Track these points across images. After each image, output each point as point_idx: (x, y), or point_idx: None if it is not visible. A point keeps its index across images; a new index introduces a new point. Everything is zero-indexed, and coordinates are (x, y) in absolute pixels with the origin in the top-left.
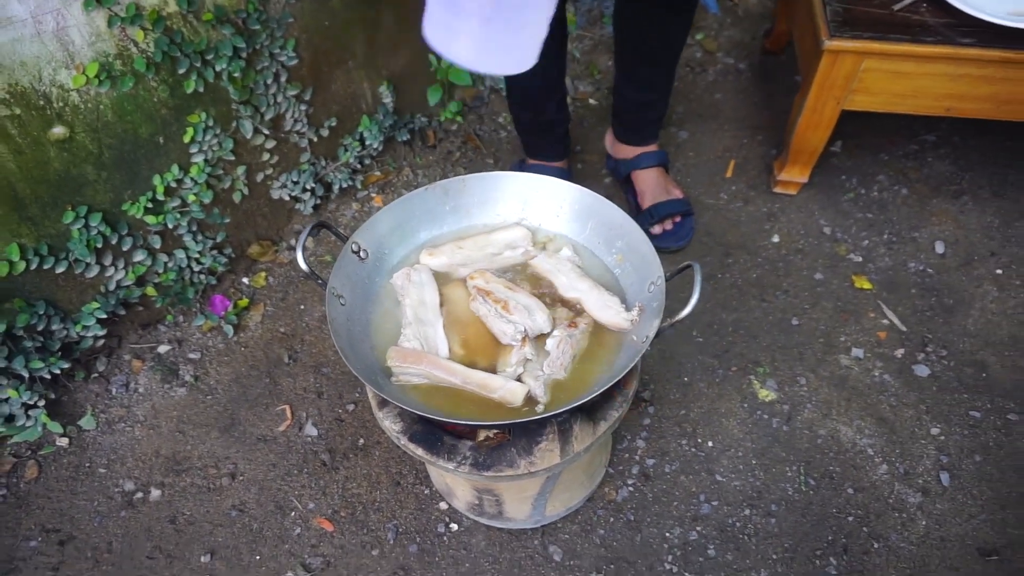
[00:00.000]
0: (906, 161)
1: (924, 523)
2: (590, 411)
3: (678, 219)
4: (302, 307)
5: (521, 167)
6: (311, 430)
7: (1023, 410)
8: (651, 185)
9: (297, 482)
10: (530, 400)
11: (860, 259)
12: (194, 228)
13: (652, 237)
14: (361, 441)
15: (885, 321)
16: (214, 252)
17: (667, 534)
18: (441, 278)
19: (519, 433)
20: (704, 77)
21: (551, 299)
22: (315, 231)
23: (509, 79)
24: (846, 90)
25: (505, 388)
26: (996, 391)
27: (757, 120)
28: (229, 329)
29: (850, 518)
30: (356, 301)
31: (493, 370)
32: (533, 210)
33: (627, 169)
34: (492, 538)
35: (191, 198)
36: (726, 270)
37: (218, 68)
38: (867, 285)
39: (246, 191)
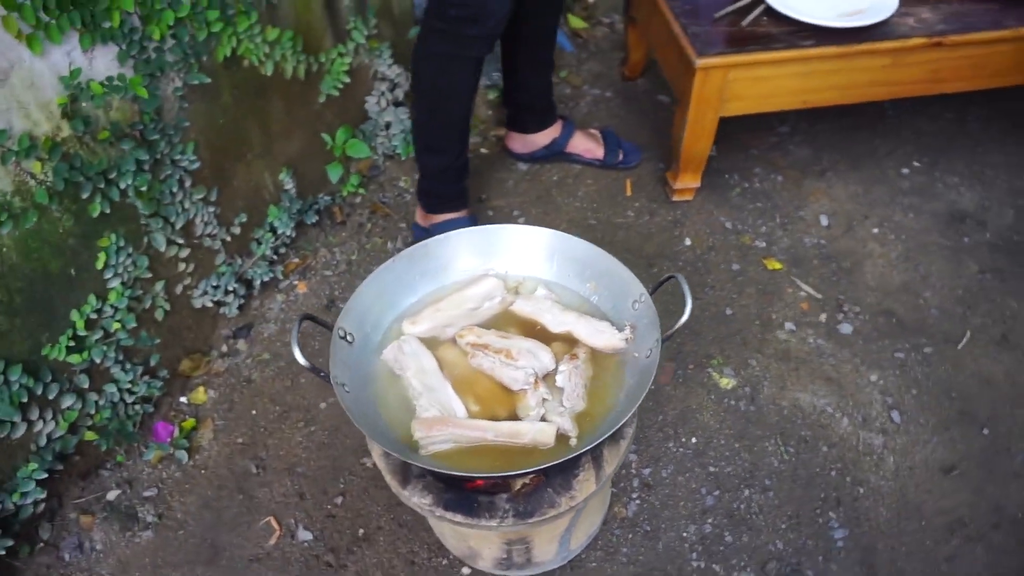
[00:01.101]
0: (772, 152)
1: (892, 459)
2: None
3: (619, 142)
4: (253, 412)
5: (427, 233)
6: (304, 535)
7: (933, 342)
8: (586, 141)
9: None
10: (561, 437)
11: (764, 244)
12: (121, 357)
13: (620, 163)
14: (361, 531)
15: (802, 293)
16: (146, 378)
17: (684, 534)
18: (429, 343)
19: (554, 471)
20: (579, 109)
21: (543, 338)
22: (300, 323)
23: (436, 119)
24: (720, 99)
25: (536, 431)
26: (908, 331)
27: (637, 139)
28: (183, 455)
29: (833, 472)
30: (356, 385)
31: (515, 418)
32: (497, 259)
33: (561, 145)
34: None
35: (115, 326)
36: (654, 280)
37: (122, 185)
38: (777, 265)
39: (168, 306)
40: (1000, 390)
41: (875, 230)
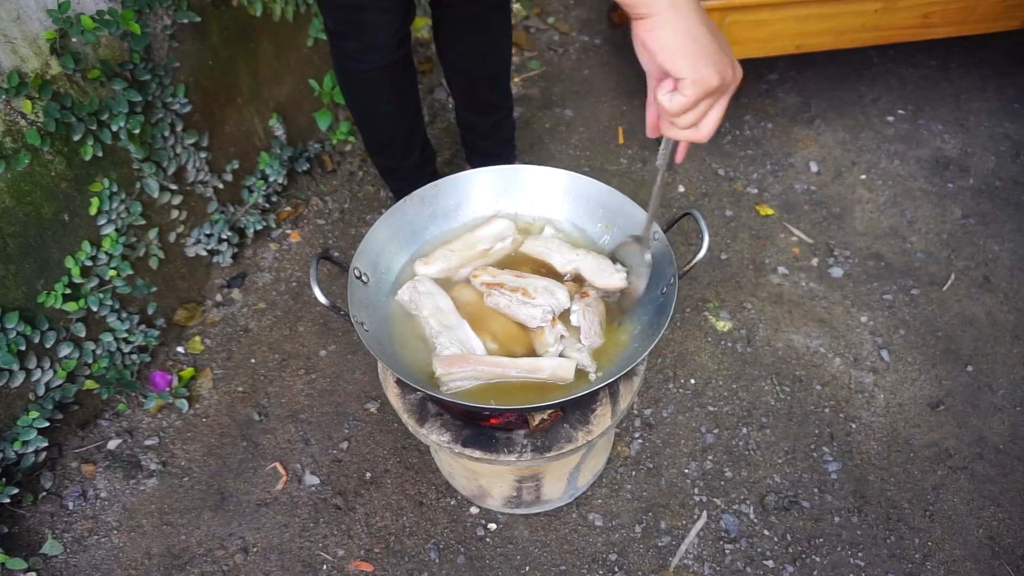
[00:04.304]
0: (761, 100)
1: (882, 396)
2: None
3: None
4: (252, 361)
5: None
6: (311, 479)
7: (920, 284)
8: None
9: (317, 533)
10: (579, 372)
11: (756, 191)
12: (117, 306)
13: None
14: (368, 474)
15: (794, 238)
16: (143, 327)
17: (685, 470)
18: (442, 284)
19: (572, 406)
20: (568, 56)
21: (553, 278)
22: (317, 262)
23: (365, 129)
24: None
25: (556, 367)
26: (896, 274)
27: (627, 87)
28: (183, 403)
29: (826, 410)
30: (374, 325)
31: (532, 355)
32: (508, 200)
33: None
34: (533, 525)
35: (110, 273)
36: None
37: (115, 128)
38: (769, 211)
39: (162, 255)
40: (982, 329)
41: (863, 176)
